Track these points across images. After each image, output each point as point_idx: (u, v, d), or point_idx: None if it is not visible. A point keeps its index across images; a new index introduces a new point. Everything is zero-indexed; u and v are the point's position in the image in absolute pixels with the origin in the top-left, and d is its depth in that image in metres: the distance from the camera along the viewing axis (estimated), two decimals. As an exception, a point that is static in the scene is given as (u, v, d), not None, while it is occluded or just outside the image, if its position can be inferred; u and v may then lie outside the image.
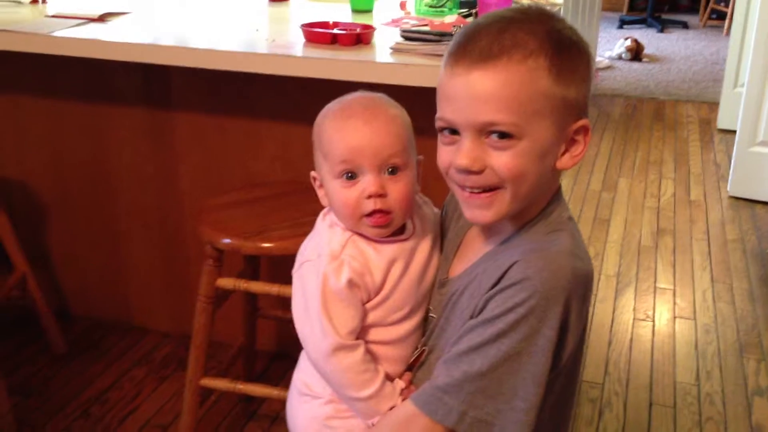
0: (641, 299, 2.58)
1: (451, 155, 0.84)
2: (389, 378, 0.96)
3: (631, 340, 2.34)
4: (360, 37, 1.73)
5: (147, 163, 2.14)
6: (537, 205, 0.88)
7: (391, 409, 0.93)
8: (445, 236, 1.02)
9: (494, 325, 0.81)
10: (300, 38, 1.78)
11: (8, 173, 2.26)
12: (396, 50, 1.65)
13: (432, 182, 1.04)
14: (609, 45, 6.27)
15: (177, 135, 2.08)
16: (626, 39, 6.01)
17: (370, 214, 0.93)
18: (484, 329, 0.82)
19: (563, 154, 0.85)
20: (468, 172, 0.82)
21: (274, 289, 1.57)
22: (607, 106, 4.75)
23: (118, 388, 2.05)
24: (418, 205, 1.02)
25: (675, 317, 2.47)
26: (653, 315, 2.49)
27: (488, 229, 0.93)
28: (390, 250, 0.95)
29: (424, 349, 0.97)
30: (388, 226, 0.94)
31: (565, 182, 3.54)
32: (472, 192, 0.84)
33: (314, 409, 1.00)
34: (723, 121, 4.30)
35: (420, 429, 0.85)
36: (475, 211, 0.85)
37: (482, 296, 0.84)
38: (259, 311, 1.92)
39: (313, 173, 1.01)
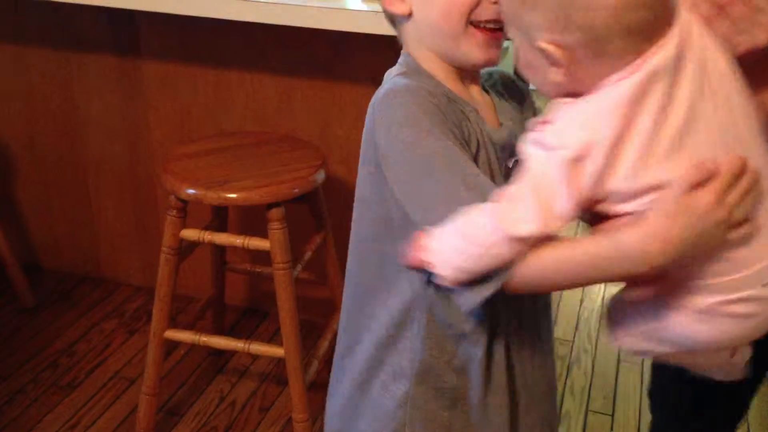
0: (616, 258, 2.57)
1: None
2: None
3: (604, 297, 2.35)
4: (331, -16, 1.68)
5: (116, 112, 2.09)
6: None
7: None
8: None
9: None
10: (270, -16, 1.73)
11: (-26, 122, 2.21)
12: (367, -2, 1.60)
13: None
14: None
15: (146, 84, 2.03)
16: None
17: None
18: None
19: None
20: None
21: (239, 240, 1.55)
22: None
23: (87, 340, 2.04)
24: None
25: (649, 276, 2.47)
26: (628, 274, 2.48)
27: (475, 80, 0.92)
28: None
29: None
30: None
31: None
32: (494, 30, 0.82)
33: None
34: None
35: None
36: (494, 50, 0.85)
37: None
38: (227, 264, 1.90)
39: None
